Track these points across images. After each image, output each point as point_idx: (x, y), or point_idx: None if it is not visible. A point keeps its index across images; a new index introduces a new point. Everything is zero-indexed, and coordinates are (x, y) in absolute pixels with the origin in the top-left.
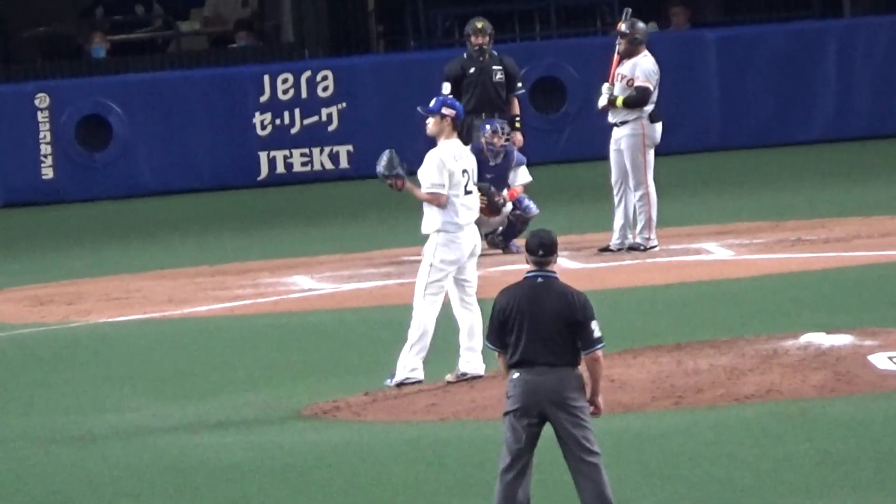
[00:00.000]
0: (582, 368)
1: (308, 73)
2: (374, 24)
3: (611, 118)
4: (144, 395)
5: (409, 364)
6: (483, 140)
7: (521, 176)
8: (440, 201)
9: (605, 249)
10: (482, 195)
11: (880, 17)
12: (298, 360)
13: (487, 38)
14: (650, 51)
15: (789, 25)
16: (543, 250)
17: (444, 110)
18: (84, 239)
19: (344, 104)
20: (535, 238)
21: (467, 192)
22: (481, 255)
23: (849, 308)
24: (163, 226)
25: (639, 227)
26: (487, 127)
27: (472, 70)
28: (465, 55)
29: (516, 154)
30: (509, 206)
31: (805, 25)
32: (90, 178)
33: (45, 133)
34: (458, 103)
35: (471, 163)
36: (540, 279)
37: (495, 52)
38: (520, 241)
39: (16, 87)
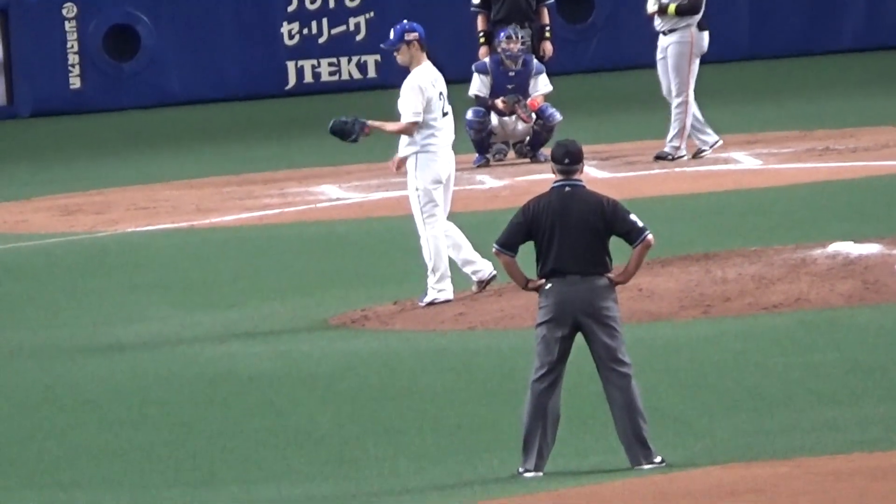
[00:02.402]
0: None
1: None
2: None
3: (658, 26)
4: (172, 304)
5: (436, 286)
6: (499, 49)
7: (542, 84)
8: (411, 132)
9: (699, 153)
10: (511, 105)
11: None
12: (326, 270)
13: None
14: None
15: None
16: (570, 159)
17: (407, 36)
18: (112, 148)
19: (371, 13)
20: (560, 147)
21: (444, 115)
22: (509, 164)
23: (877, 217)
24: (190, 135)
25: (670, 134)
26: (502, 34)
27: None
28: None
29: (535, 62)
30: (533, 115)
31: None
32: (118, 88)
33: (72, 43)
34: (416, 25)
35: (444, 85)
36: (568, 188)
37: None
38: (546, 151)
39: None
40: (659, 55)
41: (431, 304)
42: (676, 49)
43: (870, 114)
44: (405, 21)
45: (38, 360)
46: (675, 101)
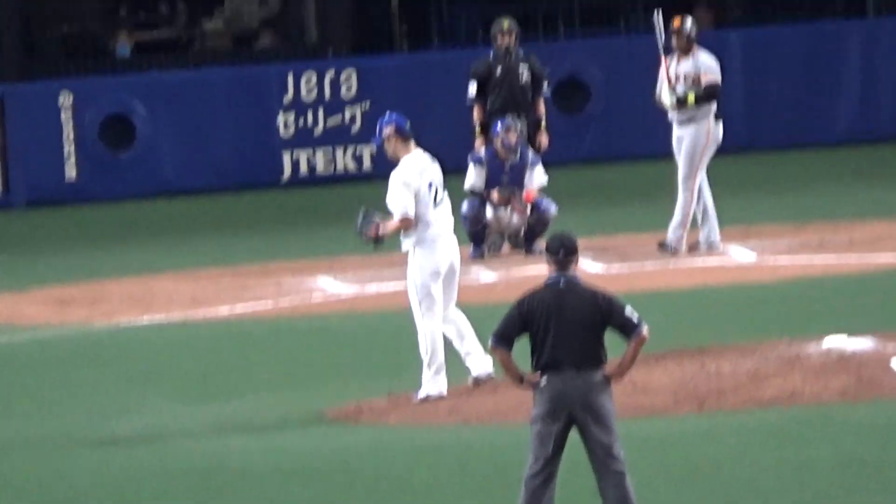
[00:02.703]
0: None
1: (332, 73)
2: (398, 23)
3: (674, 118)
4: (167, 396)
5: (431, 380)
6: (497, 140)
7: (537, 177)
8: (409, 226)
9: (695, 246)
10: (506, 196)
11: None
12: (321, 363)
13: (514, 38)
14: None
15: (813, 25)
16: (565, 252)
17: (385, 131)
18: (107, 239)
19: (367, 104)
20: (555, 240)
21: (436, 204)
22: (504, 257)
23: (871, 312)
24: (186, 226)
25: (674, 222)
26: (499, 124)
27: (498, 70)
28: (490, 55)
29: (530, 154)
30: (528, 207)
31: (829, 25)
32: (114, 178)
33: (68, 132)
34: (394, 115)
35: (436, 173)
36: (563, 281)
37: (521, 52)
38: (541, 244)
39: (39, 86)
40: (676, 144)
41: (426, 399)
42: (692, 139)
43: (864, 207)
44: (386, 114)
45: (32, 452)
46: (681, 189)
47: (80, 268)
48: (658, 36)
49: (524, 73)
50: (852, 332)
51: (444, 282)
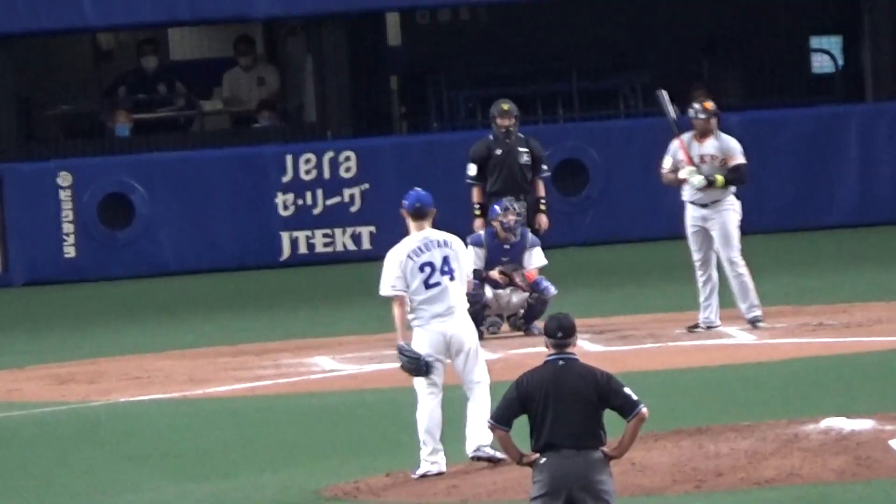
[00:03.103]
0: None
1: (331, 154)
2: (397, 104)
3: (700, 199)
4: (164, 474)
5: (429, 458)
6: (496, 222)
7: (536, 258)
8: (397, 304)
9: (695, 327)
10: (510, 273)
11: None
12: (319, 441)
13: (514, 120)
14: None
15: (812, 109)
16: (563, 332)
17: (402, 208)
18: (105, 318)
19: (367, 185)
20: (553, 321)
21: (428, 287)
22: (503, 337)
23: (870, 393)
24: (184, 305)
25: (749, 299)
26: (497, 207)
27: (498, 152)
28: (490, 137)
29: (529, 235)
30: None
31: (827, 110)
32: (112, 257)
33: (67, 212)
34: (413, 193)
35: (436, 253)
36: (561, 362)
37: (521, 135)
38: (540, 324)
39: (38, 166)
40: (698, 224)
41: (424, 476)
42: (727, 217)
43: (862, 289)
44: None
45: None
46: (737, 269)
47: (78, 346)
48: (668, 114)
49: (524, 155)
50: (851, 412)
51: (458, 361)
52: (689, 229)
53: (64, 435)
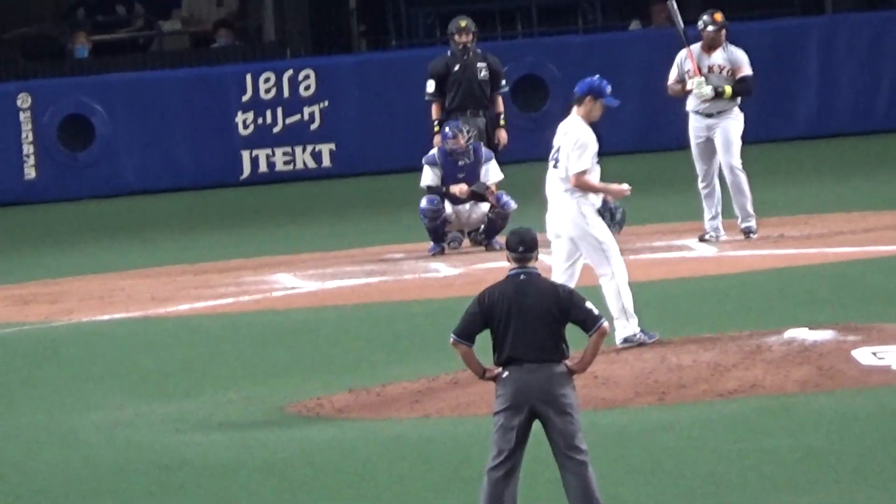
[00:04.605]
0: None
1: (290, 72)
2: (356, 22)
3: (706, 108)
4: (127, 393)
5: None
6: (446, 145)
7: (493, 173)
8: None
9: (703, 239)
10: (482, 190)
11: (861, 14)
12: (281, 358)
13: (471, 37)
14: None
15: (771, 22)
16: (524, 247)
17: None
18: (66, 238)
19: (326, 103)
20: (515, 236)
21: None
22: (464, 253)
23: (831, 304)
24: (145, 225)
25: (745, 207)
26: (447, 130)
27: (456, 68)
28: (448, 53)
29: (483, 150)
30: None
31: (787, 22)
32: (72, 178)
33: (27, 133)
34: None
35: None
36: (523, 276)
37: (479, 50)
38: (501, 239)
39: None
40: (703, 135)
41: (629, 340)
42: (733, 126)
43: (823, 201)
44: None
45: None
46: (732, 175)
47: (39, 267)
48: (677, 24)
49: (482, 71)
50: (812, 323)
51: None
52: (694, 140)
53: (26, 355)
